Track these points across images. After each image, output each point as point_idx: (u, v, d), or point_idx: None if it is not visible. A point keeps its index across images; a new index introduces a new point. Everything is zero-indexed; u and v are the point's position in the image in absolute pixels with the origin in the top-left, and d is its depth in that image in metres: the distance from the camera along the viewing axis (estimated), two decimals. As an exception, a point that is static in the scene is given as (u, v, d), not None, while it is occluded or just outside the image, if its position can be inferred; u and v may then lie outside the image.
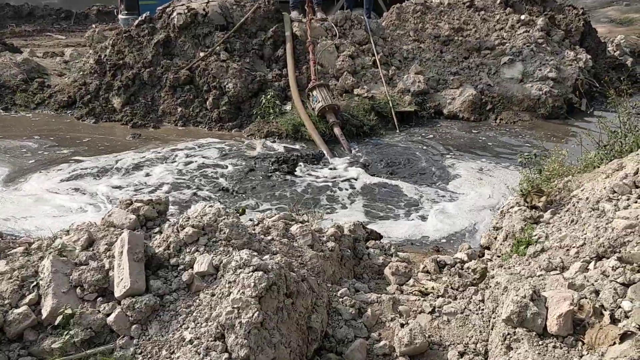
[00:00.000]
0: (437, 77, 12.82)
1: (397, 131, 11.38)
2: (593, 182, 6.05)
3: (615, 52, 16.68)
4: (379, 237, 6.70)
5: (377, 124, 11.42)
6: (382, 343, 4.45)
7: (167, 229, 4.81)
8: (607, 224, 4.70)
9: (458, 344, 4.43)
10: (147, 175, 9.08)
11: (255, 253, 4.33)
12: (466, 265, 5.90)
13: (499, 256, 5.63)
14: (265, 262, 4.15)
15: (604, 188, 5.53)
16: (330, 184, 8.80)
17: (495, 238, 6.33)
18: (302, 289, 4.40)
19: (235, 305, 3.83)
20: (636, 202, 4.81)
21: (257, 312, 3.80)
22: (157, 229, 4.97)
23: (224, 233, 4.62)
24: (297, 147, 10.44)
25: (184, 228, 4.66)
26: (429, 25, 14.18)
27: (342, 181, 8.90)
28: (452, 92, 12.59)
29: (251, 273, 4.02)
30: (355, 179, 8.97)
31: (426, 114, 12.26)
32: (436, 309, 4.74)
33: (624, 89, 8.27)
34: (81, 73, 12.29)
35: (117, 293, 4.13)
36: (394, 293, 5.28)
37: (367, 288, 5.26)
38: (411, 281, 5.47)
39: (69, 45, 15.37)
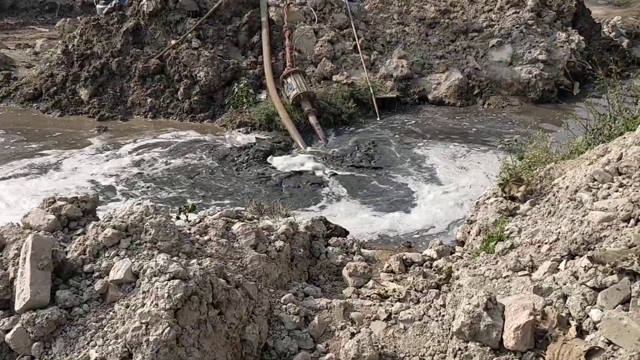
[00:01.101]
0: (421, 62, 12.23)
1: (378, 119, 10.81)
2: (575, 169, 5.50)
3: (610, 33, 16.02)
4: (344, 233, 6.16)
5: (357, 111, 10.85)
6: (327, 356, 3.91)
7: (90, 230, 4.27)
8: (583, 216, 4.15)
9: (413, 355, 3.90)
10: (99, 172, 8.54)
11: (176, 258, 3.80)
12: (435, 263, 5.36)
13: (469, 253, 5.08)
14: (186, 269, 3.62)
15: (585, 176, 4.97)
16: (299, 176, 8.25)
17: (469, 232, 5.78)
18: (234, 297, 3.86)
19: (144, 320, 3.30)
20: (617, 190, 4.25)
21: (169, 328, 3.27)
22: (80, 230, 4.43)
23: (150, 234, 4.08)
24: (269, 137, 9.87)
25: (104, 229, 4.12)
26: (414, 7, 13.57)
27: (311, 174, 8.34)
28: (438, 77, 12.01)
29: (166, 282, 3.48)
30: (326, 172, 8.42)
31: (410, 100, 11.69)
32: (392, 315, 4.19)
33: (614, 69, 7.69)
34: (48, 64, 11.72)
35: (17, 306, 3.60)
36: (349, 297, 4.75)
37: (319, 292, 4.72)
38: (371, 283, 4.92)
39: (51, 37, 14.78)
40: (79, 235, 4.37)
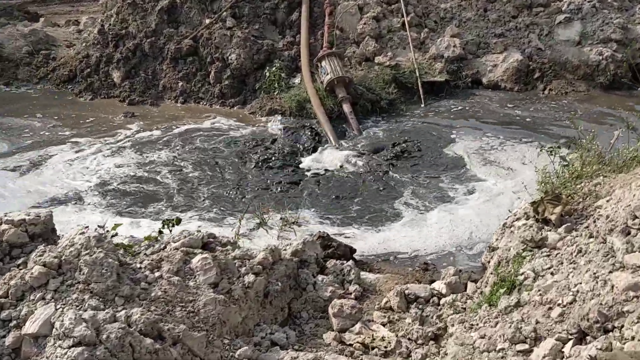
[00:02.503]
0: (477, 40, 11.06)
1: (423, 105, 9.85)
2: (625, 189, 4.51)
3: None
4: (348, 253, 5.42)
5: (399, 97, 9.93)
6: None
7: (31, 260, 3.77)
8: (610, 272, 3.25)
9: None
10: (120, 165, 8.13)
11: (106, 306, 3.22)
12: (443, 300, 4.56)
13: (476, 297, 4.25)
14: (99, 329, 3.03)
15: (628, 205, 4.00)
16: (321, 177, 7.52)
17: (489, 262, 4.91)
18: (166, 357, 3.26)
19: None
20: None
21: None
22: (21, 260, 3.94)
23: (83, 274, 3.53)
24: (299, 126, 9.15)
25: (34, 265, 3.61)
26: (474, -22, 12.26)
27: (333, 174, 7.59)
28: (495, 58, 10.84)
29: (66, 350, 2.91)
30: (350, 172, 7.65)
31: (462, 84, 10.62)
32: (369, 380, 3.48)
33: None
34: (84, 44, 11.44)
35: None
36: (328, 344, 4.05)
37: (292, 337, 4.05)
38: (358, 326, 4.19)
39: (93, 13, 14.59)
40: (19, 267, 3.88)
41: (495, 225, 6.30)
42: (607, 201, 4.51)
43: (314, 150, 8.39)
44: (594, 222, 4.25)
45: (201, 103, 10.27)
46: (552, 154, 5.72)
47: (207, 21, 10.70)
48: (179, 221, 5.18)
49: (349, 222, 6.48)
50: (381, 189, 7.17)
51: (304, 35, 10.49)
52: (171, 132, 9.09)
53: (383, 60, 10.32)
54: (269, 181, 7.46)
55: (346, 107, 9.13)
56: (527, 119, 9.14)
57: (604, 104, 9.76)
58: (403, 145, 8.23)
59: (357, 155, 8.05)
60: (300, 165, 7.86)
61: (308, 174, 7.64)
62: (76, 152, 8.53)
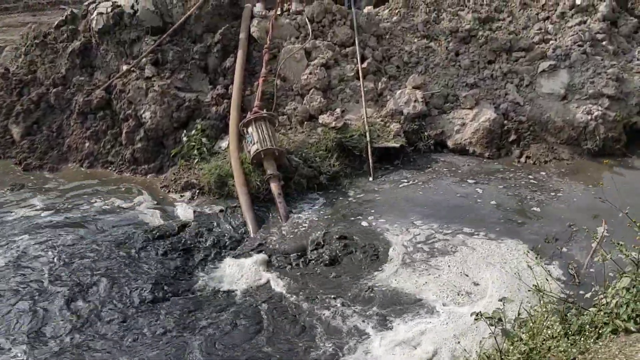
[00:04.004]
0: (445, 92, 9.38)
1: (371, 178, 8.18)
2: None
3: None
4: None
5: (344, 167, 8.25)
6: None
7: None
8: None
9: None
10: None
11: None
12: None
13: None
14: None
15: None
16: (213, 298, 5.84)
17: None
18: None
19: None
20: None
21: None
22: None
23: None
24: (218, 210, 7.50)
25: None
26: (447, 13, 10.58)
27: (232, 295, 5.90)
28: (464, 115, 9.15)
29: None
30: (255, 290, 5.97)
31: (423, 147, 8.94)
32: None
33: None
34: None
35: None
36: None
37: None
38: None
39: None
40: None
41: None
42: None
43: (229, 248, 6.73)
44: None
45: (109, 168, 8.62)
46: (491, 322, 4.09)
47: (124, 68, 9.02)
48: None
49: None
50: (286, 326, 5.48)
51: (237, 87, 8.82)
52: (53, 214, 7.41)
53: (328, 121, 8.63)
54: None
55: (274, 187, 7.47)
56: (491, 202, 7.43)
57: (590, 179, 8.07)
58: (325, 249, 6.52)
59: (267, 263, 6.37)
60: (199, 281, 6.15)
61: (203, 293, 5.94)
62: None
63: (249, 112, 8.13)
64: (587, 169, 8.41)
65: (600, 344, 4.09)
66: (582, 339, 4.03)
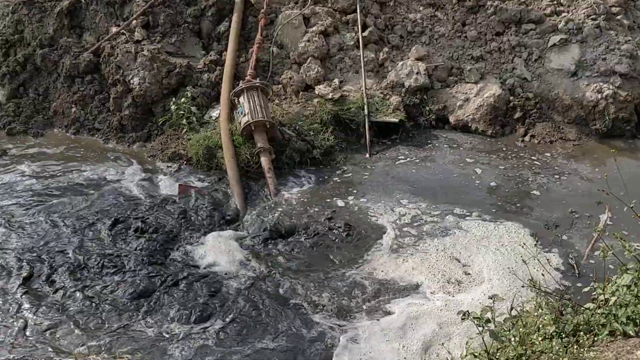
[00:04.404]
0: (449, 65, 8.94)
1: (367, 155, 7.83)
2: None
3: None
4: None
5: (340, 142, 7.91)
6: None
7: None
8: None
9: None
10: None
11: None
12: None
13: None
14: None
15: None
16: (192, 280, 5.55)
17: None
18: None
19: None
20: None
21: None
22: None
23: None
24: (204, 182, 7.20)
25: None
26: (456, -19, 10.01)
27: (206, 278, 5.61)
28: (468, 89, 8.73)
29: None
30: (234, 269, 5.69)
31: (424, 122, 8.55)
32: None
33: None
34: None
35: None
36: None
37: None
38: None
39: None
40: None
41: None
42: None
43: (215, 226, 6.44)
44: None
45: (96, 135, 8.28)
46: (478, 323, 3.81)
47: (114, 30, 8.61)
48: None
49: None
50: (260, 306, 5.21)
51: (231, 54, 8.42)
52: (35, 183, 7.12)
53: (325, 92, 8.24)
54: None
55: (264, 162, 7.14)
56: (490, 184, 7.08)
57: (597, 161, 7.69)
58: (311, 230, 6.21)
59: (252, 245, 6.07)
60: (175, 259, 5.87)
61: (184, 274, 5.66)
62: None
63: (241, 81, 7.74)
64: (595, 150, 8.02)
65: (596, 349, 3.81)
66: (575, 345, 3.73)
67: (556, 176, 7.32)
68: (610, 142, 8.15)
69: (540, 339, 3.50)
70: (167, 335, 4.81)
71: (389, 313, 5.05)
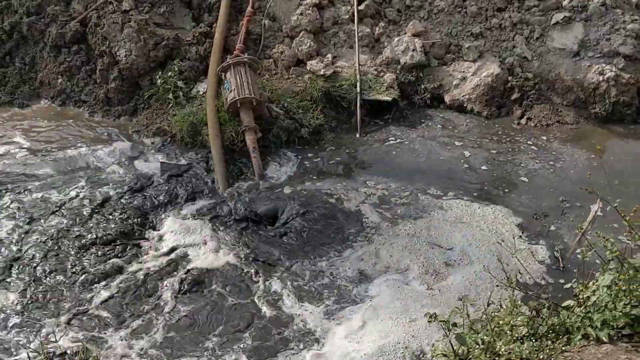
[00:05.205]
0: (447, 41, 8.65)
1: (358, 135, 7.63)
2: None
3: None
4: None
5: (330, 120, 7.71)
6: None
7: None
8: None
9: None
10: None
11: None
12: None
13: None
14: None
15: None
16: (157, 277, 5.42)
17: None
18: None
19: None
20: None
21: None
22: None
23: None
24: (187, 161, 7.04)
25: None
26: (459, -47, 9.63)
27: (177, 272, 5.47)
28: (465, 68, 8.46)
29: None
30: (208, 254, 5.57)
31: (418, 100, 8.32)
32: None
33: None
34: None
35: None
36: None
37: None
38: None
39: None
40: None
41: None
42: None
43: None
44: None
45: (82, 108, 8.11)
46: (445, 325, 3.67)
47: (101, -1, 8.37)
48: None
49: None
50: (234, 292, 5.10)
51: (221, 26, 8.17)
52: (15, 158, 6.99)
53: (317, 68, 8.00)
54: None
55: (249, 141, 6.96)
56: (481, 169, 6.89)
57: (594, 147, 7.43)
58: (289, 214, 6.05)
59: (230, 227, 5.93)
60: (149, 241, 5.75)
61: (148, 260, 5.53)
62: None
63: (228, 56, 7.51)
64: (592, 135, 7.78)
65: (567, 355, 3.67)
66: (546, 349, 3.59)
67: (550, 162, 7.11)
68: (609, 127, 7.89)
69: (504, 347, 3.34)
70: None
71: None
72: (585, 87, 8.08)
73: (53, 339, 4.44)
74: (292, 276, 5.24)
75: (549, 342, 3.83)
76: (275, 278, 5.21)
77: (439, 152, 7.14)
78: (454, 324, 3.55)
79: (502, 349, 3.32)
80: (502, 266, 4.05)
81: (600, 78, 8.05)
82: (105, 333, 4.61)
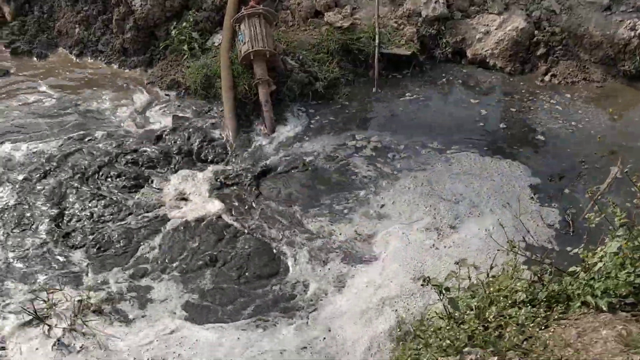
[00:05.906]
0: (473, -7, 8.32)
1: (374, 90, 7.48)
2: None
3: None
4: None
5: (347, 73, 7.54)
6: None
7: None
8: None
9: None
10: None
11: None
12: None
13: None
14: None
15: None
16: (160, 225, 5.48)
17: None
18: None
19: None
20: None
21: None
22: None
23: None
24: (199, 118, 7.01)
25: None
26: None
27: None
28: (489, 21, 8.15)
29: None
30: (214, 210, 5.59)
31: (439, 55, 8.07)
32: None
33: None
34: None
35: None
36: None
37: None
38: None
39: None
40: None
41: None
42: None
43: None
44: None
45: (99, 58, 8.09)
46: (438, 289, 3.63)
47: (119, -55, 8.21)
48: None
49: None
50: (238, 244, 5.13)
51: (238, -25, 7.95)
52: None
53: (335, 20, 7.80)
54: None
55: (262, 94, 6.87)
56: (500, 125, 6.70)
57: (620, 107, 7.16)
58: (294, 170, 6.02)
59: (234, 178, 5.93)
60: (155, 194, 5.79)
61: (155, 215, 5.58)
62: None
63: (243, 7, 7.35)
64: (619, 94, 7.46)
65: (563, 323, 3.60)
66: (542, 317, 3.53)
67: (573, 122, 6.86)
68: (638, 86, 7.54)
69: (492, 315, 3.28)
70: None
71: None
72: (615, 43, 7.72)
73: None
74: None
75: (546, 309, 3.77)
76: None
77: (459, 110, 6.95)
78: (447, 289, 3.49)
79: (491, 316, 3.27)
80: (504, 231, 3.95)
81: (632, 34, 7.66)
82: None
